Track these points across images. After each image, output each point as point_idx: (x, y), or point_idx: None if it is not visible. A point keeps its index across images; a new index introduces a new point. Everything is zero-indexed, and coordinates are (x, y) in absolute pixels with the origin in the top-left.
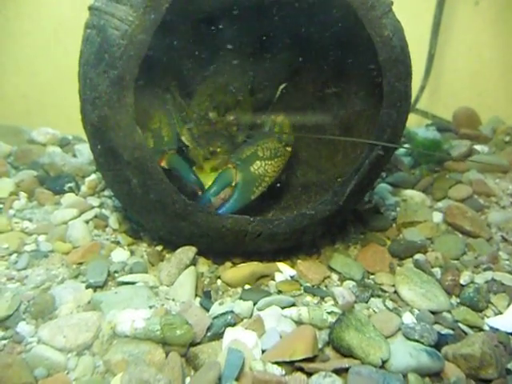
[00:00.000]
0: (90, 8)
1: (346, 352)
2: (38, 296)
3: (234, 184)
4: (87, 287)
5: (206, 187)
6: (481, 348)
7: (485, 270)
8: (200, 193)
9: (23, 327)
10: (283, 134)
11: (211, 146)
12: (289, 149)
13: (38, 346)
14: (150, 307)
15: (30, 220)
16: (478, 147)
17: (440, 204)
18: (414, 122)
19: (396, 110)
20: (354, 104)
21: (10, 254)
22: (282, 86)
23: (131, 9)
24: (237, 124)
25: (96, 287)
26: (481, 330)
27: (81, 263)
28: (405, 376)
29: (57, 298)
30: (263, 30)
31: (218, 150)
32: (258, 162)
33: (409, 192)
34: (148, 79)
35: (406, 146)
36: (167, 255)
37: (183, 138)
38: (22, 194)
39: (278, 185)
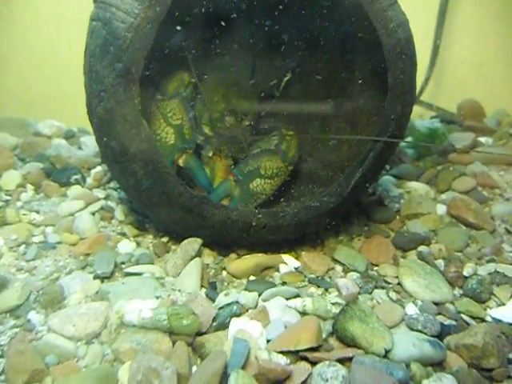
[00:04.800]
0: (96, 0)
1: (349, 342)
2: (46, 286)
3: (231, 197)
4: (95, 278)
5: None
6: (483, 338)
7: (488, 261)
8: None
9: (33, 316)
10: (289, 152)
11: (222, 147)
12: (290, 167)
13: (48, 334)
14: (157, 297)
15: (38, 212)
16: (482, 139)
17: (444, 196)
18: (418, 114)
19: (400, 102)
20: (359, 96)
21: (19, 245)
22: (286, 78)
23: (136, 1)
24: (251, 130)
25: (103, 278)
26: (483, 321)
27: (88, 254)
28: (408, 365)
29: (65, 289)
30: (268, 21)
31: (226, 151)
32: (258, 180)
33: (413, 184)
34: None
35: (408, 139)
36: (173, 247)
37: (203, 126)
38: (29, 186)
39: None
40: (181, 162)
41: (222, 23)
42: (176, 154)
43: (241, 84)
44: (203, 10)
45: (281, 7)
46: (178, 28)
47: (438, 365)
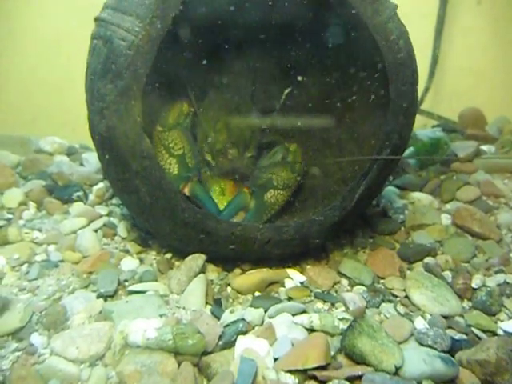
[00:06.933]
0: (97, 19)
1: (358, 359)
2: (49, 307)
3: (246, 209)
4: (98, 297)
5: (221, 208)
6: (496, 353)
7: (496, 272)
8: None
9: (36, 338)
10: (296, 163)
11: (226, 177)
12: (299, 178)
13: (51, 357)
14: (161, 316)
15: (40, 230)
16: (484, 147)
17: (448, 206)
18: (419, 124)
19: (403, 113)
20: (361, 108)
21: (21, 265)
22: (286, 91)
23: (137, 19)
24: (254, 162)
25: (106, 297)
26: (495, 334)
27: (91, 272)
28: (419, 383)
29: (68, 309)
30: (269, 41)
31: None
32: (271, 191)
33: (416, 194)
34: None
35: (410, 149)
36: (177, 263)
37: (206, 155)
38: (31, 204)
39: None
40: (187, 192)
41: (221, 45)
42: (181, 183)
43: (242, 110)
44: (201, 30)
45: (281, 24)
46: (177, 52)
47: (451, 382)
